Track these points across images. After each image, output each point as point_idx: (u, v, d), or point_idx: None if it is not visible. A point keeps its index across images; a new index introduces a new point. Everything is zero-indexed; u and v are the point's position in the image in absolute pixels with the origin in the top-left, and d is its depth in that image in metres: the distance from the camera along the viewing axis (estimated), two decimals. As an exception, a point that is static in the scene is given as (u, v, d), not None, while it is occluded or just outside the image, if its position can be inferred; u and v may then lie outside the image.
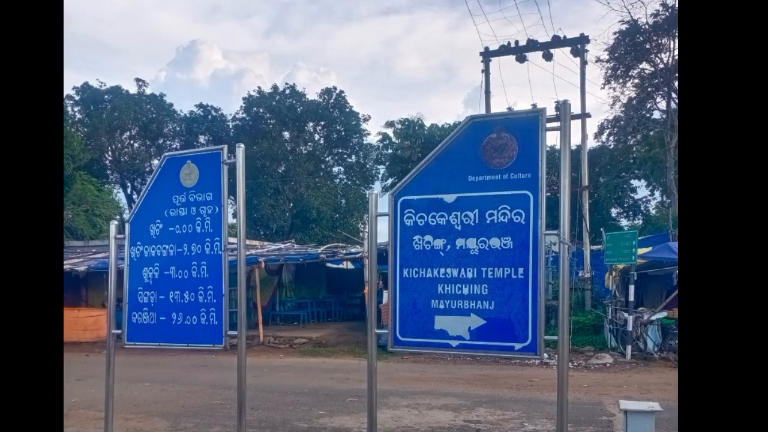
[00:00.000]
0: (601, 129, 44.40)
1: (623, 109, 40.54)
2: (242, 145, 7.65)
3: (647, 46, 36.86)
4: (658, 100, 39.15)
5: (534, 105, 24.92)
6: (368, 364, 7.15)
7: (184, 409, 13.42)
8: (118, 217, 40.17)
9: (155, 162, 50.83)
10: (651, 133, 41.10)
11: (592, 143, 40.36)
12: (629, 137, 44.21)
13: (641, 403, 9.31)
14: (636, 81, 38.89)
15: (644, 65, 38.20)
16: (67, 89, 53.49)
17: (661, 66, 36.56)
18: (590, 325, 23.73)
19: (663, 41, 36.09)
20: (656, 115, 39.91)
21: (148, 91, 57.55)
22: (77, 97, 54.49)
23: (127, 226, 8.33)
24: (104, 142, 53.37)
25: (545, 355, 6.77)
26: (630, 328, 19.82)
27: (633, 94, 39.42)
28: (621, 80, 38.95)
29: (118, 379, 9.09)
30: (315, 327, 28.80)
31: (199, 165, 7.83)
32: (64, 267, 24.84)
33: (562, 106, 6.36)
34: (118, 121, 53.18)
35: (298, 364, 20.50)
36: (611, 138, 45.24)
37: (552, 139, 7.16)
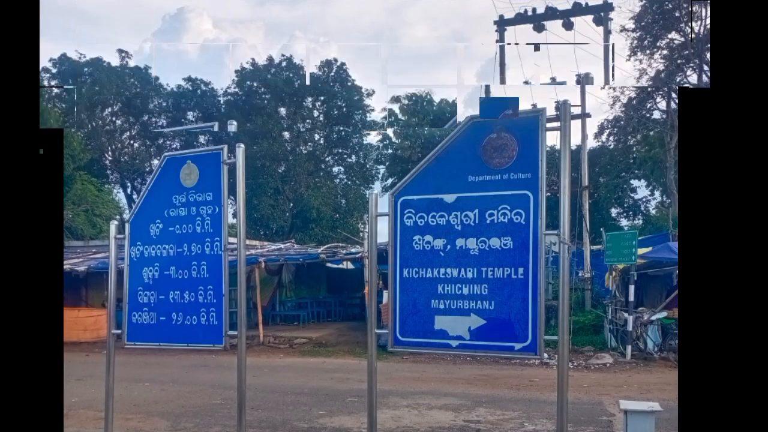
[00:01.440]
0: (602, 129, 44.16)
1: (623, 108, 40.29)
2: (242, 145, 7.66)
3: (677, 14, 35.33)
4: (657, 99, 38.92)
5: (534, 105, 24.84)
6: (368, 364, 7.16)
7: (184, 409, 13.44)
8: (118, 217, 40.07)
9: (155, 162, 50.54)
10: (651, 133, 40.92)
11: (592, 143, 40.13)
12: (629, 137, 43.97)
13: (641, 402, 9.32)
14: (665, 52, 36.94)
15: (673, 35, 36.45)
16: (43, 61, 51.18)
17: (692, 36, 34.97)
18: (590, 325, 23.71)
19: (694, 9, 34.54)
20: (656, 114, 39.74)
21: (131, 64, 54.82)
22: (54, 70, 52.10)
23: (127, 226, 8.35)
24: (104, 142, 52.90)
25: (545, 355, 6.79)
26: (630, 328, 19.84)
27: (661, 66, 36.98)
28: (648, 51, 36.94)
29: (118, 379, 9.09)
30: (315, 327, 28.79)
31: (199, 165, 7.85)
32: (64, 267, 24.84)
33: (562, 106, 6.38)
34: (99, 96, 51.09)
35: (298, 364, 20.51)
36: (611, 138, 45.03)
37: (552, 139, 7.17)
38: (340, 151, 57.30)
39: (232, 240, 8.19)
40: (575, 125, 26.92)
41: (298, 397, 14.51)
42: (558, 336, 6.20)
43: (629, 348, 19.84)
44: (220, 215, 7.68)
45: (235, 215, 21.52)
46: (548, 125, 6.27)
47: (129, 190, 56.31)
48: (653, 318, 20.08)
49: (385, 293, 18.96)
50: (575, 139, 29.96)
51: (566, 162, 6.22)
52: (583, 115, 27.60)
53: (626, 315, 20.09)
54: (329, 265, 33.95)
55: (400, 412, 12.86)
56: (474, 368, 18.87)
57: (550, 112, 15.89)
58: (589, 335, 22.96)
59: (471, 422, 12.05)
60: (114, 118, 55.51)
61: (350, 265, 34.92)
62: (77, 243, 35.76)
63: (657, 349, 19.92)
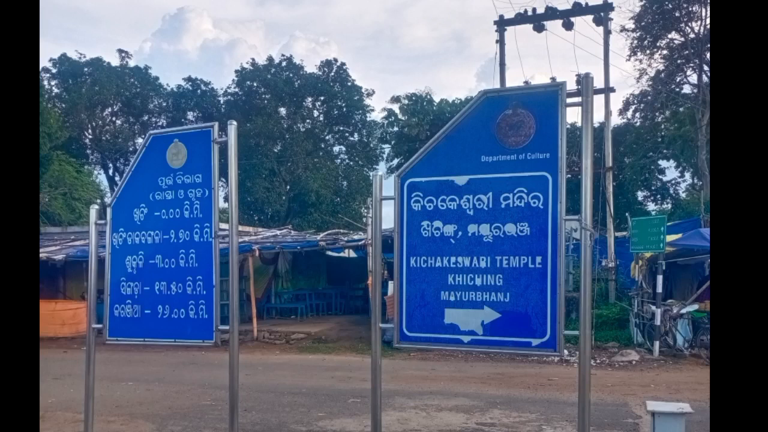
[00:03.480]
0: (627, 105, 44.27)
1: (650, 82, 40.26)
2: (234, 123, 7.62)
3: (677, 14, 36.62)
4: (688, 72, 38.96)
5: (553, 78, 24.83)
6: (372, 362, 7.16)
7: (171, 410, 13.44)
8: (98, 200, 40.27)
9: (139, 141, 50.70)
10: (681, 109, 40.80)
11: (616, 120, 40.28)
12: (657, 113, 43.95)
13: (670, 403, 9.32)
14: (665, 52, 38.57)
15: (673, 35, 37.90)
16: (43, 61, 53.36)
17: (692, 36, 36.34)
18: (614, 318, 23.76)
19: (694, 8, 35.88)
20: (686, 89, 39.70)
21: (131, 64, 57.45)
22: (54, 70, 54.24)
23: (108, 210, 8.32)
24: (84, 119, 53.24)
25: (565, 351, 6.79)
26: (658, 322, 19.81)
27: (661, 67, 39.13)
28: (648, 51, 38.59)
29: (99, 377, 9.11)
30: (314, 321, 28.86)
31: (188, 144, 7.82)
32: (40, 255, 24.87)
33: (584, 80, 6.33)
34: (99, 96, 52.85)
35: (295, 362, 20.53)
36: (637, 114, 45.07)
37: (573, 115, 7.16)
38: (341, 128, 57.65)
39: (223, 226, 8.15)
40: (598, 100, 26.96)
41: (295, 397, 14.51)
42: (579, 331, 6.19)
43: (657, 344, 19.82)
44: (210, 199, 7.66)
45: (226, 199, 21.39)
46: (568, 101, 6.25)
47: (111, 172, 56.69)
48: (683, 311, 20.04)
49: (391, 284, 18.94)
50: (598, 116, 29.89)
51: (588, 141, 6.19)
52: (607, 90, 27.67)
53: (654, 308, 20.07)
54: (329, 253, 33.98)
55: (407, 413, 12.85)
56: (488, 366, 18.89)
57: (571, 86, 15.85)
58: (613, 330, 23.03)
59: (484, 425, 12.04)
60: (114, 118, 57.15)
61: (352, 254, 34.93)
62: (54, 229, 35.87)
63: (687, 346, 19.90)
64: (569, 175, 6.53)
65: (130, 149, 53.25)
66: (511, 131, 6.37)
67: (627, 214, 28.58)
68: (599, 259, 25.49)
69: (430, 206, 6.71)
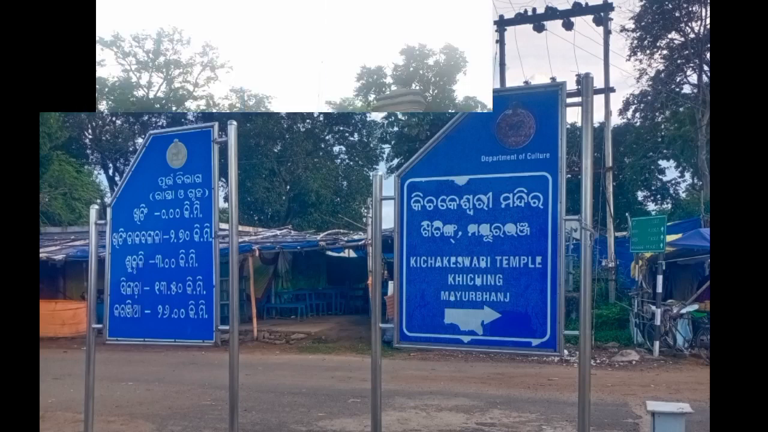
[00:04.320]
0: (627, 105, 44.19)
1: (651, 83, 40.21)
2: (234, 123, 7.61)
3: (677, 14, 36.59)
4: (688, 73, 38.92)
5: (553, 78, 24.81)
6: (372, 362, 7.15)
7: (171, 410, 13.43)
8: (98, 200, 40.22)
9: (139, 141, 50.54)
10: (681, 109, 40.73)
11: (616, 120, 40.19)
12: (657, 114, 43.87)
13: (670, 403, 9.31)
14: (665, 52, 38.55)
15: (673, 35, 37.88)
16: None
17: (692, 36, 36.32)
18: (614, 319, 23.73)
19: (694, 8, 35.85)
20: (686, 89, 39.68)
21: (131, 60, 57.02)
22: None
23: (108, 210, 8.32)
24: (84, 119, 53.10)
25: (565, 351, 6.79)
26: (658, 322, 19.79)
27: (661, 67, 39.10)
28: (648, 51, 38.56)
29: (99, 377, 9.10)
30: (314, 321, 28.83)
31: (187, 144, 7.82)
32: (40, 255, 24.84)
33: (584, 80, 6.33)
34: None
35: (295, 362, 20.51)
36: (637, 114, 45.01)
37: (573, 115, 7.15)
38: (341, 128, 57.37)
39: (223, 226, 8.14)
40: (598, 100, 26.92)
41: (295, 397, 14.50)
42: (579, 331, 6.18)
43: (657, 344, 19.81)
44: (210, 199, 7.65)
45: (226, 199, 21.26)
46: (568, 101, 6.25)
47: (111, 172, 56.44)
48: (683, 311, 20.01)
49: (391, 284, 18.92)
50: (598, 116, 29.87)
51: (588, 141, 6.19)
52: (607, 90, 27.62)
53: (654, 308, 20.05)
54: (329, 253, 33.95)
55: (407, 413, 12.84)
56: (488, 366, 18.88)
57: (571, 86, 15.86)
58: (613, 330, 22.99)
59: (484, 425, 12.04)
60: (114, 118, 56.25)
61: (352, 254, 34.89)
62: (54, 229, 35.83)
63: (687, 346, 19.88)
64: (569, 175, 6.53)
65: (130, 149, 53.00)
66: (511, 131, 6.37)
67: (627, 214, 28.55)
68: (599, 259, 25.46)
69: (430, 206, 6.71)
